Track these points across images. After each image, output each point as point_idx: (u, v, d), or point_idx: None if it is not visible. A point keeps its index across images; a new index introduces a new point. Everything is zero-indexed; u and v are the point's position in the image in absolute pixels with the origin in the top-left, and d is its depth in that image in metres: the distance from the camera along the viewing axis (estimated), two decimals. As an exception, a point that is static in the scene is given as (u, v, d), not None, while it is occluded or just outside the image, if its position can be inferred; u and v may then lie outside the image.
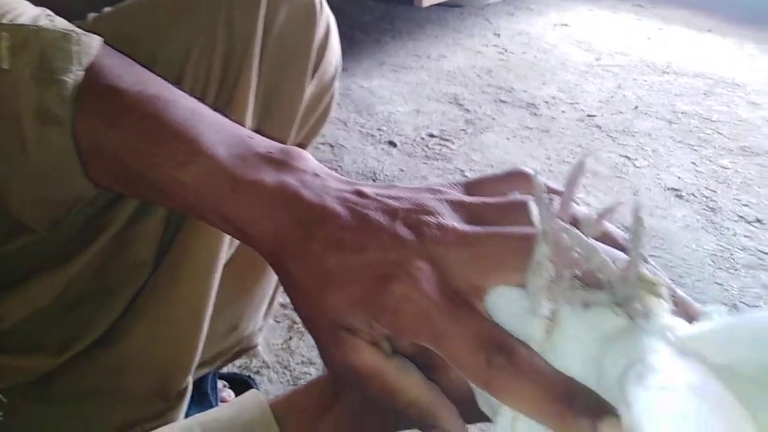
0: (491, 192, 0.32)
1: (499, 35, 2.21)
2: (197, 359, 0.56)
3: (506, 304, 0.27)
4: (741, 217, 1.30)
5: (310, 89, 0.57)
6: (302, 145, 0.62)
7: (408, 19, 2.31)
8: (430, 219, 0.29)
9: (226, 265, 0.55)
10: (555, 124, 1.64)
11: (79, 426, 0.53)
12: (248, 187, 0.31)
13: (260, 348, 0.79)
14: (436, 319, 0.27)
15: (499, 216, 0.30)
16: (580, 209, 0.30)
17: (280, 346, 0.96)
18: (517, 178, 0.33)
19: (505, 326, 0.27)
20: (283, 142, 0.48)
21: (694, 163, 1.47)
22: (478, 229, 0.29)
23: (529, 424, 0.25)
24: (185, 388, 0.57)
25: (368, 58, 1.99)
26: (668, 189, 1.38)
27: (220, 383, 0.82)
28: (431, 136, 1.58)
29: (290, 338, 0.97)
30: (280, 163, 0.33)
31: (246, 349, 0.73)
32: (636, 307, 0.25)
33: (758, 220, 1.29)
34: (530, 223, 0.27)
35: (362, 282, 0.28)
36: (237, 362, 0.89)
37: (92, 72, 0.35)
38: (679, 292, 0.29)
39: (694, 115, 1.68)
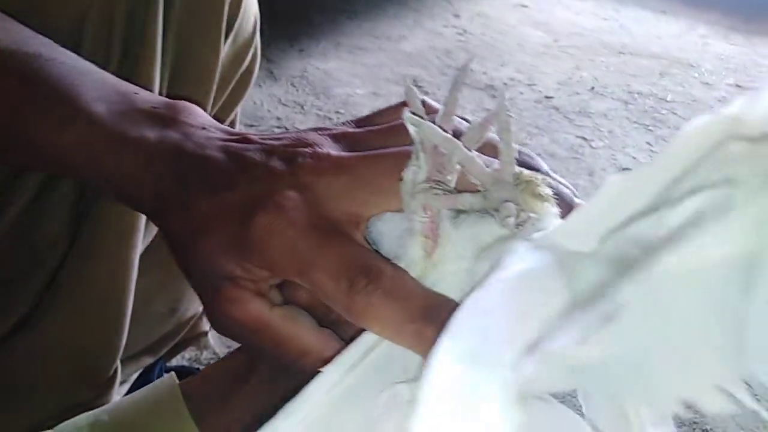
0: (382, 122, 0.31)
1: (458, 16, 2.19)
2: (123, 342, 0.53)
3: (389, 230, 0.26)
4: (694, 196, 1.32)
5: (227, 48, 0.54)
6: (227, 108, 0.60)
7: (366, -1, 2.28)
8: (306, 150, 0.28)
9: (156, 243, 0.52)
10: (513, 106, 1.64)
11: (0, 419, 0.50)
12: (128, 145, 0.30)
13: (211, 339, 0.77)
14: (301, 250, 0.25)
15: (381, 141, 0.29)
16: (462, 122, 0.28)
17: (233, 336, 0.94)
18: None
19: (390, 254, 0.26)
20: (202, 106, 0.46)
21: (649, 144, 1.49)
22: (353, 154, 0.28)
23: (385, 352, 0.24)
24: (114, 375, 0.54)
25: (325, 38, 1.95)
26: (624, 169, 1.40)
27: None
28: (389, 118, 1.57)
29: (244, 327, 0.95)
30: (165, 118, 0.31)
31: (192, 337, 0.71)
32: (508, 212, 0.23)
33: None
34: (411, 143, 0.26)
35: (230, 221, 0.27)
36: (187, 354, 0.87)
37: None
38: (564, 189, 0.28)
39: (649, 95, 1.70)
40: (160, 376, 0.74)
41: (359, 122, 0.32)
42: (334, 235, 0.26)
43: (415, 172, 0.25)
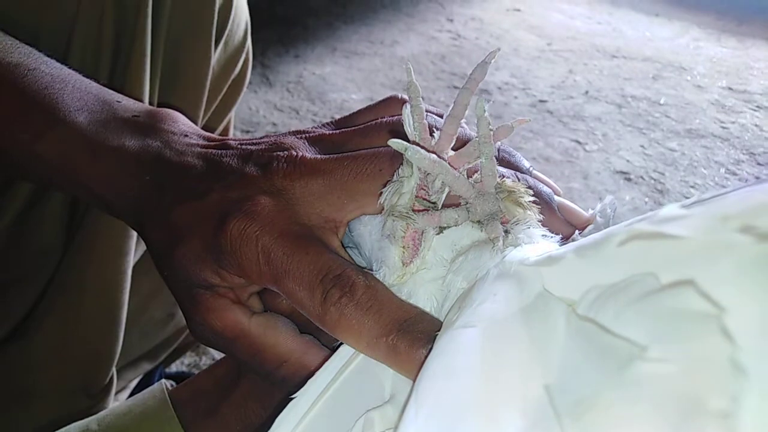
0: (361, 122, 0.30)
1: (452, 20, 2.20)
2: (118, 350, 0.53)
3: (369, 233, 0.26)
4: (687, 198, 1.33)
5: (218, 54, 0.54)
6: (220, 114, 0.59)
7: (360, 3, 2.28)
8: (282, 154, 0.27)
9: None
10: (507, 110, 1.65)
11: None
12: (108, 154, 0.30)
13: (209, 345, 0.76)
14: (274, 258, 0.25)
15: (359, 142, 0.28)
16: (465, 127, 0.28)
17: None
18: (389, 103, 0.31)
19: (371, 257, 0.26)
20: (194, 113, 0.46)
21: (642, 147, 1.50)
22: (329, 156, 0.27)
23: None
24: (109, 383, 0.54)
25: (320, 44, 1.96)
26: (617, 172, 1.41)
27: (168, 383, 0.79)
28: (385, 123, 1.57)
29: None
30: (146, 127, 0.31)
31: (191, 342, 0.70)
32: (496, 233, 0.23)
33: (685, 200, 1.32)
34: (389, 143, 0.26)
35: (205, 228, 0.26)
36: (186, 360, 0.87)
37: None
38: (562, 199, 0.28)
39: (642, 98, 1.71)
40: (159, 382, 0.74)
41: (339, 123, 0.31)
42: (308, 242, 0.25)
43: (395, 191, 0.24)
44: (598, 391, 0.17)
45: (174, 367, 0.85)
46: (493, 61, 0.25)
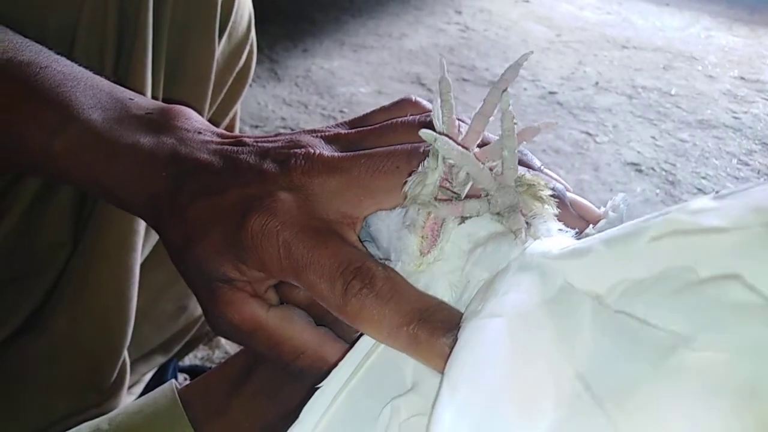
0: (376, 122, 0.30)
1: (460, 12, 2.19)
2: (126, 345, 0.53)
3: (386, 226, 0.27)
4: (699, 189, 1.32)
5: (221, 46, 0.54)
6: (226, 106, 0.59)
7: (368, -3, 2.28)
8: (299, 151, 0.28)
9: None
10: (517, 102, 1.64)
11: (6, 422, 0.50)
12: (123, 152, 0.30)
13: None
14: (294, 252, 0.25)
15: (374, 141, 0.29)
16: (489, 135, 0.28)
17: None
18: (403, 105, 0.31)
19: (388, 249, 0.26)
20: (199, 106, 0.46)
21: (653, 138, 1.49)
22: (346, 154, 0.27)
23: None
24: (119, 378, 0.54)
25: (328, 38, 1.96)
26: (628, 164, 1.40)
27: (182, 377, 0.80)
28: (394, 116, 1.57)
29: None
30: (160, 124, 0.31)
31: (204, 334, 0.71)
32: (518, 225, 0.24)
33: (715, 193, 1.31)
34: (406, 141, 0.26)
35: (223, 224, 0.27)
36: (199, 353, 0.88)
37: None
38: (574, 195, 0.28)
39: (653, 89, 1.70)
40: (173, 375, 0.74)
41: (353, 123, 0.32)
42: (327, 236, 0.26)
43: (420, 182, 0.25)
44: (638, 379, 0.17)
45: (187, 361, 0.85)
46: (502, 53, 0.25)
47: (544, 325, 0.20)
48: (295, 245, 0.25)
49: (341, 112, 1.57)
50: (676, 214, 0.19)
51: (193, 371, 0.84)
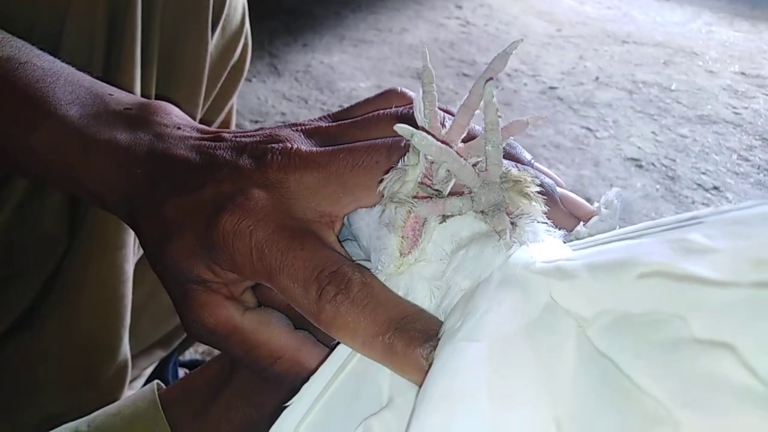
0: (359, 114, 0.29)
1: (461, 7, 2.19)
2: (122, 342, 0.53)
3: (367, 225, 0.25)
4: (699, 185, 1.32)
5: (215, 40, 0.53)
6: (221, 100, 0.59)
7: (368, -9, 2.27)
8: (277, 146, 0.26)
9: None
10: (517, 97, 1.64)
11: (3, 420, 0.50)
12: (99, 147, 0.29)
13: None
14: (268, 254, 0.24)
15: (356, 134, 0.27)
16: (478, 128, 0.27)
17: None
18: (388, 96, 0.30)
19: (369, 248, 0.25)
20: (193, 101, 0.45)
21: (654, 133, 1.49)
22: (325, 149, 0.26)
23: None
24: (117, 375, 0.54)
25: (328, 32, 1.95)
26: (628, 159, 1.40)
27: (182, 371, 0.80)
28: (394, 111, 1.56)
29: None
30: (138, 119, 0.30)
31: None
32: (503, 225, 0.22)
33: (715, 188, 1.31)
34: (389, 135, 0.25)
35: (197, 222, 0.26)
36: (200, 348, 0.88)
37: None
38: (564, 190, 0.27)
39: (653, 84, 1.70)
40: (174, 370, 0.75)
41: (336, 115, 0.31)
42: (303, 237, 0.24)
43: (398, 179, 0.24)
44: None
45: (188, 355, 0.86)
46: (502, 47, 0.24)
47: (525, 356, 0.18)
48: (269, 247, 0.24)
49: (341, 107, 1.57)
50: (665, 254, 0.18)
51: (193, 366, 0.84)
